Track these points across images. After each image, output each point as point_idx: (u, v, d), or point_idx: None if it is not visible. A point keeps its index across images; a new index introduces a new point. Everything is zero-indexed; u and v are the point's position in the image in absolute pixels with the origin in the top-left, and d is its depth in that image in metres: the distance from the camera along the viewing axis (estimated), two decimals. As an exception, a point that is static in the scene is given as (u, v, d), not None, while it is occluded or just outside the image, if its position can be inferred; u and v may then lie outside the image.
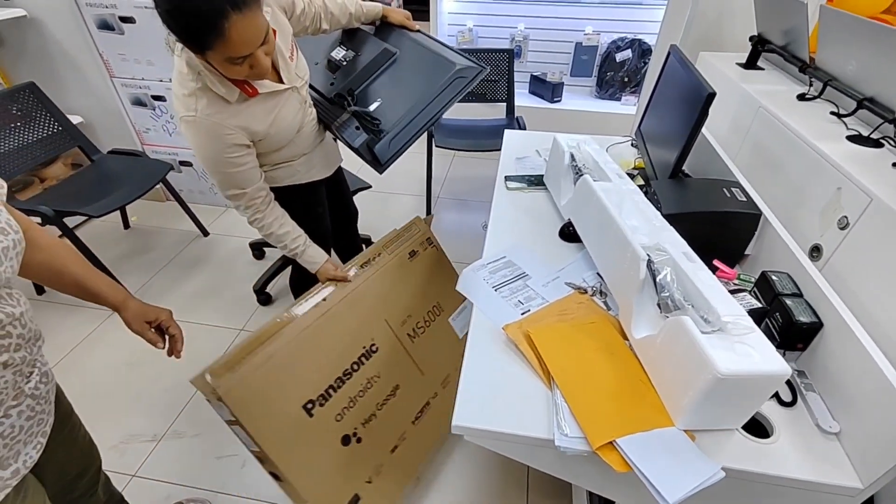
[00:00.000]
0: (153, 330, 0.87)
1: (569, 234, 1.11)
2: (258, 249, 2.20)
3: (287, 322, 1.06)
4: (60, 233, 1.74)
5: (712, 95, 0.93)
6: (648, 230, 0.85)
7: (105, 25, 1.99)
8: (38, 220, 1.70)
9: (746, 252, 0.98)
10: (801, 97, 1.21)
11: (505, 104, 2.69)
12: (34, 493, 0.69)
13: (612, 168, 1.06)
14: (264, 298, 1.94)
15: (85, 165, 2.07)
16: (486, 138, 2.47)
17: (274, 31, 0.92)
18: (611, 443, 0.65)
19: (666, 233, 0.84)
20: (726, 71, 1.47)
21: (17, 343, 0.58)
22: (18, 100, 1.84)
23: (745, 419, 0.68)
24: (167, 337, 0.90)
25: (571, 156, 1.16)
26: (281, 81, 1.03)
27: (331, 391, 1.10)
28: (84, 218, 2.37)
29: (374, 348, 1.21)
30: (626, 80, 3.07)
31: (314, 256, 1.17)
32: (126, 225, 2.39)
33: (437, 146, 2.35)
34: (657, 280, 0.76)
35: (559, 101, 3.17)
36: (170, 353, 0.91)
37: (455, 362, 1.06)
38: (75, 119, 2.13)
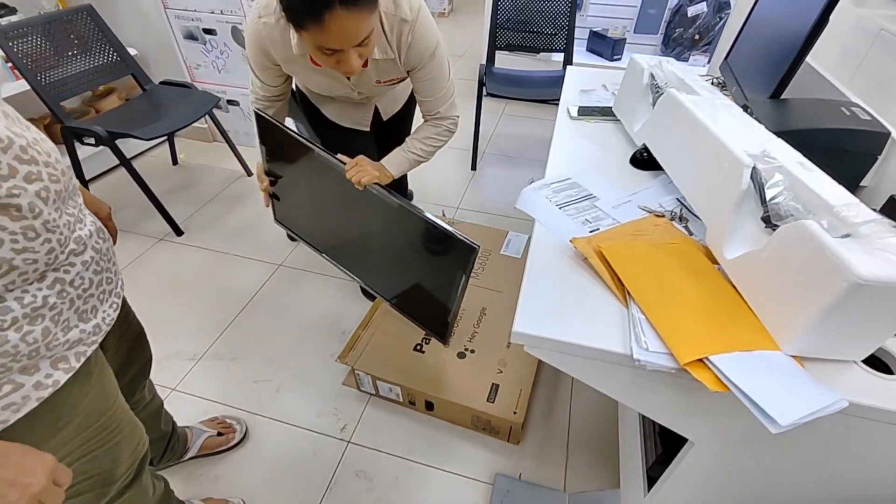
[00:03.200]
0: None
1: (642, 160, 0.99)
2: (298, 190, 2.17)
3: (378, 304, 1.43)
4: (118, 161, 1.77)
5: (839, -9, 0.78)
6: (752, 140, 0.72)
7: (160, -50, 1.97)
8: (92, 141, 1.73)
9: (862, 184, 0.84)
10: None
11: (562, 55, 2.51)
12: (106, 367, 0.69)
13: (701, 84, 0.93)
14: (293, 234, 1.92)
15: (137, 96, 2.09)
16: (542, 88, 2.32)
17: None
18: (701, 360, 0.55)
19: (774, 143, 0.72)
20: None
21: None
22: (75, 22, 1.85)
23: (871, 350, 0.56)
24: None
25: (651, 75, 1.02)
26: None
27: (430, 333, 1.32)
28: (138, 151, 2.42)
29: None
30: (696, 37, 2.81)
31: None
32: (175, 161, 2.42)
33: (487, 94, 2.23)
34: (764, 189, 0.64)
35: (619, 59, 2.95)
36: None
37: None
38: (130, 52, 2.14)
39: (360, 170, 1.02)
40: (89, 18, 1.88)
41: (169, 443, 1.10)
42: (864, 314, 0.51)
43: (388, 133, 1.35)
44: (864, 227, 0.53)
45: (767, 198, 0.63)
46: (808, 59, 0.95)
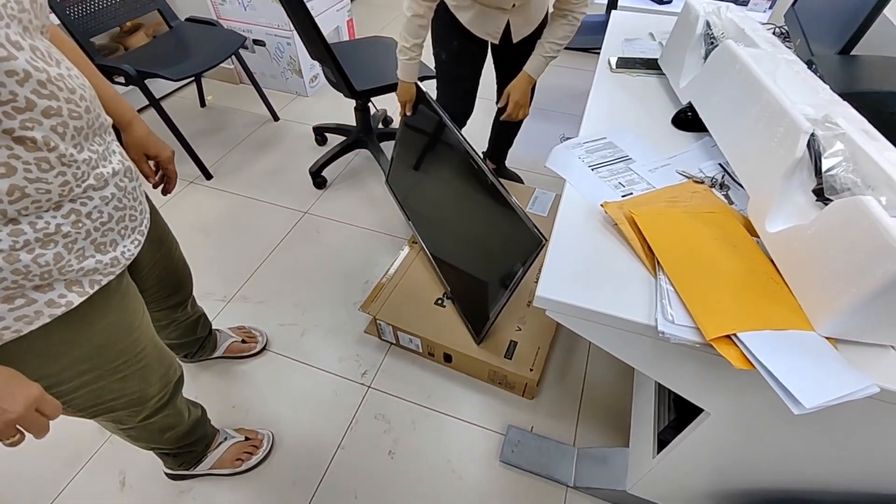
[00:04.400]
0: (151, 164, 0.86)
1: (685, 120, 0.92)
2: (321, 135, 2.16)
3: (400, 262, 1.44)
4: (147, 102, 1.77)
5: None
6: (814, 102, 0.66)
7: None
8: (122, 79, 1.72)
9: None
10: None
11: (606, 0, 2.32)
12: (134, 295, 0.74)
13: (764, 35, 0.84)
14: (320, 181, 1.93)
15: (164, 34, 2.05)
16: (581, 35, 2.16)
17: None
18: (727, 337, 0.54)
19: (839, 107, 0.65)
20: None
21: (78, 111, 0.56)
22: (101, -47, 1.79)
23: (914, 335, 0.53)
24: (162, 175, 0.89)
25: (707, 23, 0.93)
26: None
27: None
28: (166, 91, 2.42)
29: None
30: (761, -23, 2.53)
31: (407, 69, 1.31)
32: (202, 103, 2.41)
33: (522, 40, 2.09)
34: (820, 159, 0.59)
35: (670, 2, 2.70)
36: (162, 192, 0.89)
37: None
38: (155, -17, 2.07)
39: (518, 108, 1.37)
40: (113, -52, 1.82)
41: (203, 343, 1.27)
42: (914, 300, 0.48)
43: (509, 59, 1.46)
44: (931, 207, 0.48)
45: (823, 169, 0.58)
46: (886, 11, 0.84)
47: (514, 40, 1.39)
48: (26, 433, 0.53)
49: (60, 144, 0.53)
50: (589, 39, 2.11)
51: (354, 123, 1.96)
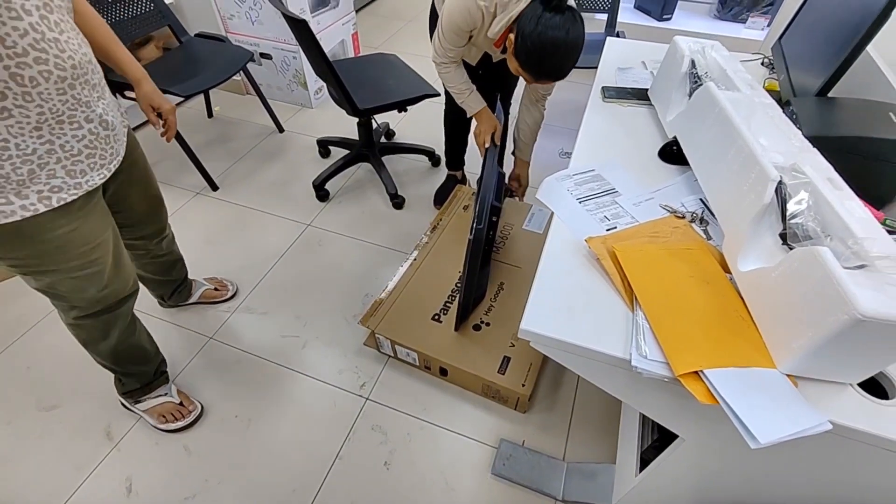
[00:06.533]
0: (156, 114, 1.10)
1: (671, 153, 0.97)
2: (324, 147, 2.21)
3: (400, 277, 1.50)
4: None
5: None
6: (784, 149, 0.70)
7: None
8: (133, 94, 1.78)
9: (900, 195, 0.81)
10: None
11: (605, 16, 2.37)
12: (100, 216, 0.93)
13: (744, 78, 0.89)
14: (323, 194, 1.99)
15: (174, 49, 2.11)
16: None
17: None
18: (696, 372, 0.58)
19: (807, 154, 0.70)
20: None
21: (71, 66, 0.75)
22: (115, -29, 1.85)
23: (868, 375, 0.58)
24: (164, 121, 1.14)
25: (692, 62, 0.98)
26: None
27: (448, 304, 1.42)
28: (174, 103, 2.47)
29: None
30: (758, -3, 2.58)
31: (472, 103, 1.44)
32: (209, 114, 2.46)
33: (523, 58, 2.14)
34: (786, 206, 0.63)
35: (669, 18, 2.75)
36: (165, 137, 1.16)
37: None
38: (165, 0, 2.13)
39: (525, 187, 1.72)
40: (127, -34, 1.88)
41: (178, 287, 1.48)
42: (864, 346, 0.52)
43: (490, 73, 1.59)
44: (881, 261, 0.53)
45: (788, 215, 0.62)
46: (869, 47, 0.89)
47: (494, 60, 1.53)
48: None
49: (42, 84, 0.72)
50: (586, 58, 2.16)
51: (357, 137, 2.02)
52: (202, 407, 1.31)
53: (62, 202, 0.82)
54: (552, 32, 1.07)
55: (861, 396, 0.59)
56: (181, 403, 1.28)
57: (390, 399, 1.35)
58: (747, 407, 0.54)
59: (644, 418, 1.03)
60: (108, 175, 0.90)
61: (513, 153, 1.71)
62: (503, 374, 1.26)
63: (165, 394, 1.27)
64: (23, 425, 1.27)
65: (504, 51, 1.25)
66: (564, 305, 0.69)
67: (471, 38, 1.31)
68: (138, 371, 1.21)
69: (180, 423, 1.26)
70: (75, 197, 0.84)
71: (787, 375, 0.59)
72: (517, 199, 1.77)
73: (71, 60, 0.76)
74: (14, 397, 1.33)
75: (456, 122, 1.79)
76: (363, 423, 1.30)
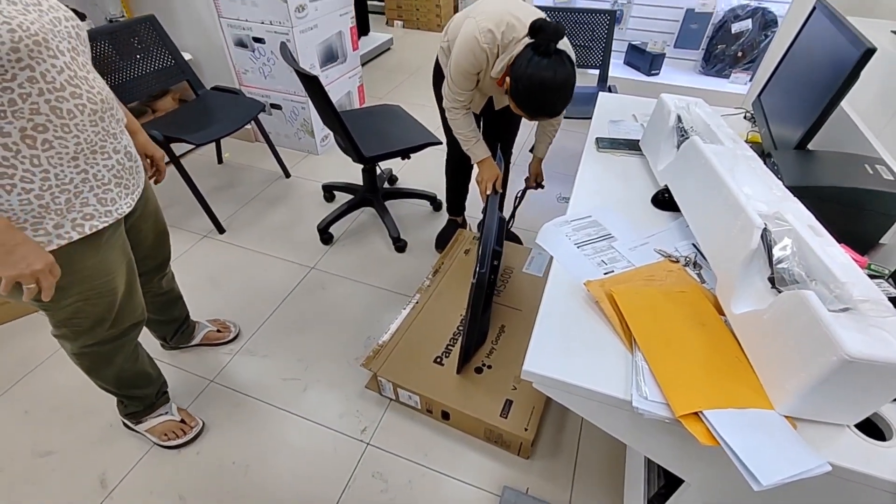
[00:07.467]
0: (147, 161, 1.16)
1: (663, 201, 1.02)
2: (329, 192, 2.28)
3: (402, 320, 1.52)
4: (168, 159, 1.91)
5: (871, 52, 0.79)
6: (767, 199, 0.75)
7: (218, -36, 2.08)
8: (149, 143, 1.86)
9: (882, 241, 0.85)
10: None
11: (597, 72, 2.52)
12: (124, 245, 1.00)
13: (727, 132, 0.95)
14: (327, 238, 2.03)
15: (190, 101, 2.23)
16: (574, 104, 2.34)
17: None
18: (696, 413, 0.60)
19: (789, 203, 0.74)
20: (878, 38, 1.25)
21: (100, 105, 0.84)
22: (139, 31, 1.99)
23: (863, 416, 0.59)
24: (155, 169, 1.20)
25: (678, 117, 1.05)
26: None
27: (450, 347, 1.44)
28: (187, 149, 2.57)
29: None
30: (739, 54, 2.75)
31: (477, 151, 1.50)
32: (220, 160, 2.56)
33: (520, 109, 2.27)
34: (772, 251, 0.67)
35: (657, 74, 2.92)
36: (151, 178, 1.19)
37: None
38: (185, 56, 2.28)
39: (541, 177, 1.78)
40: (151, 27, 2.03)
41: (180, 328, 1.47)
42: (854, 386, 0.54)
43: (492, 120, 1.71)
44: (864, 304, 0.56)
45: (774, 261, 0.66)
46: (843, 102, 0.96)
47: (497, 108, 1.62)
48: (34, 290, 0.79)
49: (78, 116, 0.80)
50: (581, 110, 2.28)
51: (361, 182, 2.09)
52: (203, 423, 1.34)
53: (94, 229, 0.87)
54: (541, 73, 1.14)
55: (859, 438, 0.60)
56: (183, 421, 1.31)
57: (392, 444, 1.33)
58: (748, 448, 0.55)
59: (649, 464, 1.02)
60: (133, 204, 0.97)
61: (531, 150, 1.81)
62: (505, 417, 1.26)
63: (167, 413, 1.29)
64: (16, 472, 1.25)
65: (507, 91, 1.34)
66: (565, 347, 0.71)
67: (478, 82, 1.39)
68: (141, 394, 1.24)
69: (183, 439, 1.29)
70: (106, 224, 0.89)
71: (786, 417, 0.60)
72: (541, 190, 1.83)
73: (100, 95, 0.85)
74: (10, 443, 1.31)
75: (458, 169, 1.87)
76: (364, 470, 1.27)
